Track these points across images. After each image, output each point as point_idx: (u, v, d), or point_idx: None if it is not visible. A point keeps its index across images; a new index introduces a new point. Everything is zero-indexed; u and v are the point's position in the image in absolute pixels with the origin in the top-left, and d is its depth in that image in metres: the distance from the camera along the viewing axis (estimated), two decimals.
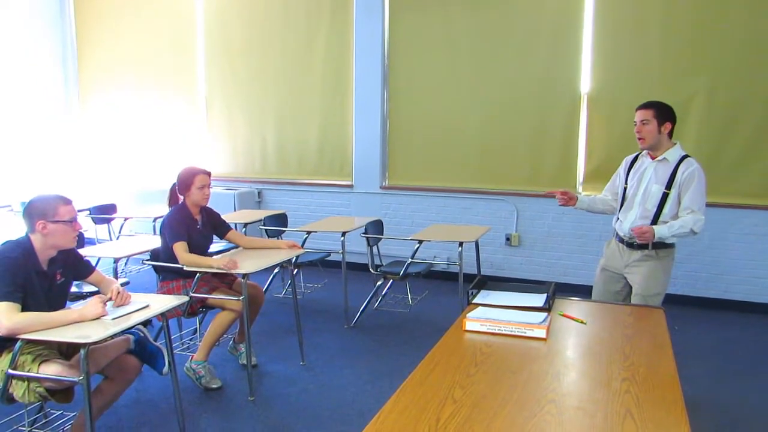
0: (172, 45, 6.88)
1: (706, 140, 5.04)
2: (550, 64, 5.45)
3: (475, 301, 2.50)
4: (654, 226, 3.00)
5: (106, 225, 6.01)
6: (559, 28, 5.39)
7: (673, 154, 3.09)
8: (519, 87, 5.58)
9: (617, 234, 3.27)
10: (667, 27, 5.08)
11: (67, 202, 2.58)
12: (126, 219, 5.86)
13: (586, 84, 5.37)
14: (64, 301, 2.70)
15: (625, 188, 3.24)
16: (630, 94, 5.13)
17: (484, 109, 5.72)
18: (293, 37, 6.34)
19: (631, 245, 3.17)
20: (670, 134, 3.11)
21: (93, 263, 5.04)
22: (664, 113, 3.08)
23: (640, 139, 3.11)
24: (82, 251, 4.02)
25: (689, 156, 3.10)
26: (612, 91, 5.29)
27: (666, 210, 3.07)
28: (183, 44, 6.82)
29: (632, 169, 3.25)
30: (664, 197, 3.06)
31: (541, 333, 2.15)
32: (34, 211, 2.50)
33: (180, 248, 3.45)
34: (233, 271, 3.38)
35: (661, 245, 3.10)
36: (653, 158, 3.14)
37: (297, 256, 4.09)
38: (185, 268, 3.43)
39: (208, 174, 3.65)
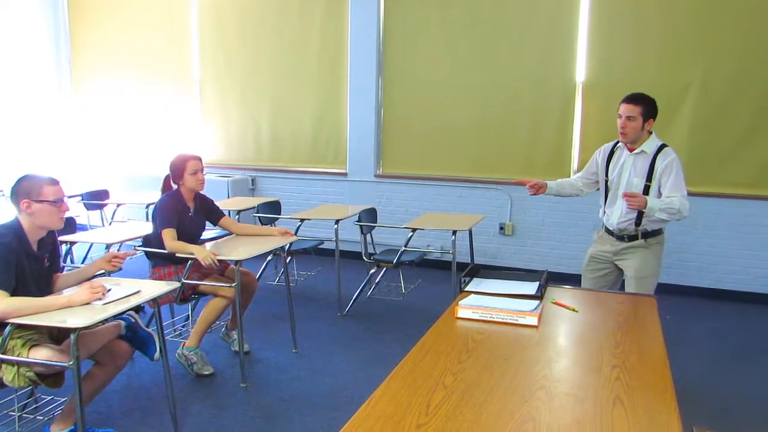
0: (165, 31, 6.81)
1: (699, 130, 5.05)
2: (546, 52, 5.43)
3: (467, 288, 2.50)
4: (646, 196, 2.98)
5: (98, 211, 5.99)
6: (554, 17, 5.36)
7: (650, 145, 3.08)
8: (514, 76, 5.56)
9: (605, 227, 3.28)
10: (663, 16, 5.06)
11: (54, 182, 2.57)
12: (118, 205, 5.84)
13: (581, 73, 5.35)
14: (52, 285, 2.69)
15: (607, 181, 3.24)
16: (626, 83, 5.10)
17: (478, 98, 5.70)
18: (288, 24, 6.29)
19: (621, 237, 3.18)
20: (650, 130, 3.11)
21: (85, 249, 5.01)
22: (650, 110, 3.06)
23: (622, 133, 3.09)
24: (74, 237, 4.01)
25: (666, 146, 3.09)
26: (607, 80, 5.28)
27: None
28: (177, 30, 6.76)
29: (611, 162, 3.24)
30: (646, 189, 3.07)
31: (532, 320, 2.15)
32: (19, 190, 2.50)
33: (168, 235, 3.43)
34: (226, 259, 3.38)
35: (650, 234, 3.12)
36: (631, 150, 3.13)
37: (290, 244, 4.08)
38: (177, 254, 3.41)
39: (199, 159, 3.63)
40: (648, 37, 5.11)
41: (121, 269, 3.08)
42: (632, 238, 3.14)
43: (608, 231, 3.26)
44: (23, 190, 2.50)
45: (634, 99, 3.06)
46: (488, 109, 5.68)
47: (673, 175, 3.01)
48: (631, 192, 3.00)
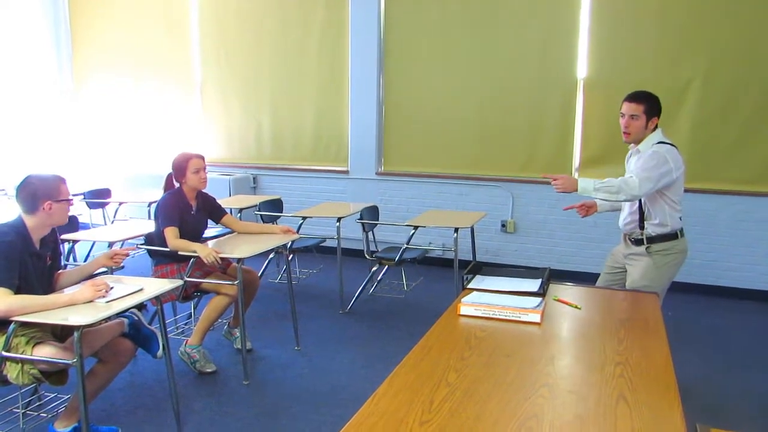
0: (166, 29, 6.81)
1: (701, 126, 5.04)
2: (547, 49, 5.42)
3: (469, 286, 2.50)
4: (579, 178, 2.87)
5: (100, 210, 5.99)
6: (555, 13, 5.35)
7: (646, 144, 2.96)
8: (515, 72, 5.55)
9: None
10: (664, 12, 5.05)
11: (64, 180, 2.63)
12: (120, 204, 5.84)
13: (582, 69, 5.34)
14: (54, 282, 2.71)
15: None
16: (627, 79, 5.11)
17: (480, 95, 5.69)
18: (288, 22, 6.28)
19: (630, 240, 3.12)
20: (655, 127, 2.99)
21: (88, 248, 5.02)
22: (653, 108, 2.95)
23: (625, 133, 2.98)
24: (77, 235, 4.02)
25: (664, 143, 2.93)
26: (609, 76, 5.27)
27: (647, 203, 2.96)
28: (177, 29, 6.76)
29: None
30: None
31: (535, 317, 2.15)
32: (39, 192, 2.52)
33: (170, 233, 3.44)
34: (228, 256, 3.38)
35: (656, 239, 3.00)
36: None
37: (292, 242, 4.08)
38: (179, 252, 3.42)
39: (202, 158, 3.64)
40: (650, 34, 5.10)
41: (123, 267, 3.09)
42: (638, 242, 3.04)
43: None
44: (43, 192, 2.52)
45: (636, 97, 2.96)
46: (489, 106, 5.68)
47: (642, 160, 2.87)
48: (555, 174, 2.86)
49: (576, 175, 5.48)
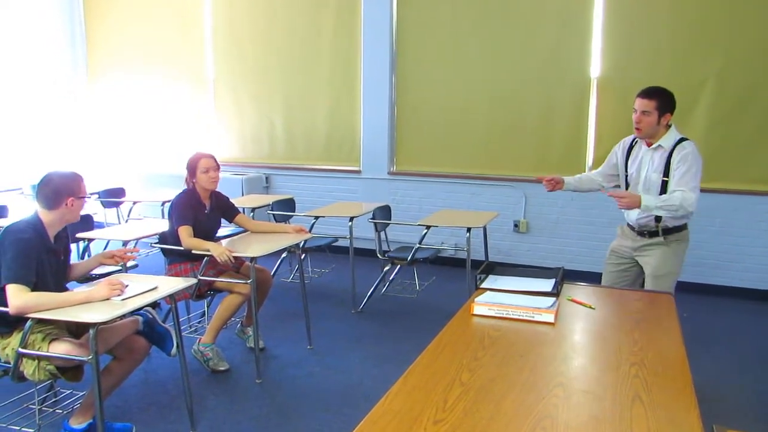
0: (179, 29, 6.86)
1: (716, 125, 4.99)
2: (560, 47, 5.39)
3: (483, 285, 2.49)
4: (642, 195, 2.92)
5: (114, 209, 6.04)
6: (568, 11, 5.32)
7: (668, 140, 2.98)
8: (528, 72, 5.53)
9: (627, 222, 3.24)
10: (678, 10, 5.00)
11: (82, 178, 2.71)
12: (135, 203, 5.89)
13: (596, 68, 5.31)
14: (66, 278, 2.75)
15: (627, 176, 3.19)
16: (641, 77, 5.03)
17: (492, 94, 5.67)
18: (301, 21, 6.30)
19: (641, 233, 3.13)
20: (668, 124, 3.01)
21: (102, 246, 5.07)
22: (666, 104, 2.95)
23: (637, 129, 3.00)
24: (92, 234, 4.06)
25: (685, 139, 2.98)
26: (623, 75, 5.23)
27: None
28: (191, 28, 6.80)
29: (631, 157, 3.18)
30: (664, 185, 2.98)
31: (549, 317, 2.14)
32: (63, 189, 2.57)
33: (184, 232, 3.47)
34: (241, 255, 3.40)
35: (671, 231, 3.05)
36: (649, 145, 3.06)
37: (305, 241, 4.09)
38: (193, 251, 3.44)
39: (212, 157, 3.64)
40: (663, 32, 5.06)
41: (137, 266, 3.12)
42: (653, 234, 3.08)
43: (630, 226, 3.21)
44: (68, 189, 2.58)
45: (648, 93, 2.97)
46: (502, 105, 5.66)
47: (684, 168, 2.91)
48: (620, 192, 2.95)
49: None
